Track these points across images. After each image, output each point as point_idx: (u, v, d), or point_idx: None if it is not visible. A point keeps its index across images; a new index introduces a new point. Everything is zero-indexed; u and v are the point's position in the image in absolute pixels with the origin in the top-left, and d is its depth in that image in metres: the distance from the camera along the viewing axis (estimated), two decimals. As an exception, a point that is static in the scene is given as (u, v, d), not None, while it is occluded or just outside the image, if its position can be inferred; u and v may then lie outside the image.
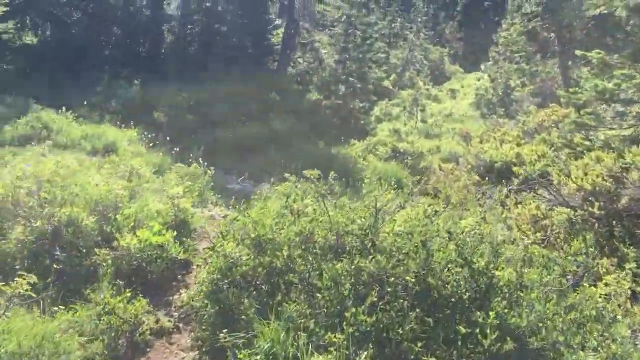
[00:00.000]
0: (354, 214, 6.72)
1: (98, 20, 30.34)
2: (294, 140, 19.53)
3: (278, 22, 37.54)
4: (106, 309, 5.66)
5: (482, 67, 35.95)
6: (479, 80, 36.80)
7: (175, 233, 7.22)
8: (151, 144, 15.99)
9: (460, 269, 5.77)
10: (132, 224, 7.26)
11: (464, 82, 41.13)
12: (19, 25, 29.19)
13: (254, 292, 5.99)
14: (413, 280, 5.60)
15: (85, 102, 21.42)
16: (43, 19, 30.04)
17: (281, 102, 23.96)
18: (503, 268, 5.89)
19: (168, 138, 18.40)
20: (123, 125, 18.90)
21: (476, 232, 6.37)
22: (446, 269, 5.75)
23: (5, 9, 28.88)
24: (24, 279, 5.00)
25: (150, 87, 23.87)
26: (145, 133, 17.73)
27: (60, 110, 17.33)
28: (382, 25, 47.27)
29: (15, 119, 15.58)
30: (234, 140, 19.07)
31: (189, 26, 31.27)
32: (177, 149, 16.22)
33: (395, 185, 8.28)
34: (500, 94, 27.27)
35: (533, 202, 10.22)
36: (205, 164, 12.03)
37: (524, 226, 9.80)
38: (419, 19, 51.49)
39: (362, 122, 23.57)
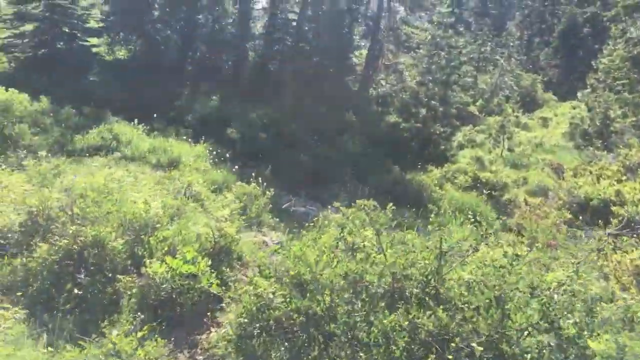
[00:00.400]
0: (416, 255, 5.63)
1: (185, 37, 30.90)
2: (368, 164, 18.53)
3: (362, 43, 36.93)
4: (115, 350, 4.86)
5: (579, 95, 33.48)
6: (574, 109, 34.28)
7: (211, 262, 6.38)
8: (218, 161, 15.53)
9: (544, 336, 4.56)
10: (166, 248, 6.51)
11: (558, 110, 38.51)
12: (111, 40, 30.29)
13: (287, 343, 5.02)
14: (482, 346, 4.45)
15: (162, 116, 21.60)
16: (135, 35, 30.97)
17: (358, 123, 23.08)
18: (599, 335, 4.61)
19: (237, 155, 18.03)
20: (194, 141, 18.69)
21: (567, 289, 5.08)
22: (525, 335, 4.57)
23: (101, 24, 30.21)
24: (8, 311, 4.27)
25: (228, 104, 23.71)
26: (215, 149, 17.37)
27: (133, 123, 17.34)
28: (471, 49, 45.52)
29: (88, 130, 15.62)
30: (305, 160, 18.34)
31: (276, 46, 31.24)
32: (244, 167, 15.72)
33: (473, 219, 7.17)
34: (598, 124, 25.00)
35: (636, 249, 8.72)
36: (265, 184, 11.28)
37: (624, 278, 8.32)
38: (512, 44, 49.26)
39: (442, 147, 22.20)
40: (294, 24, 31.85)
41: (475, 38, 50.90)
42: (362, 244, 6.14)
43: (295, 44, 30.83)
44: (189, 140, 19.38)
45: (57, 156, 13.46)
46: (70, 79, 22.88)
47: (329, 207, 16.04)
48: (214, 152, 17.54)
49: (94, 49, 27.87)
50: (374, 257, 5.86)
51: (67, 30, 23.74)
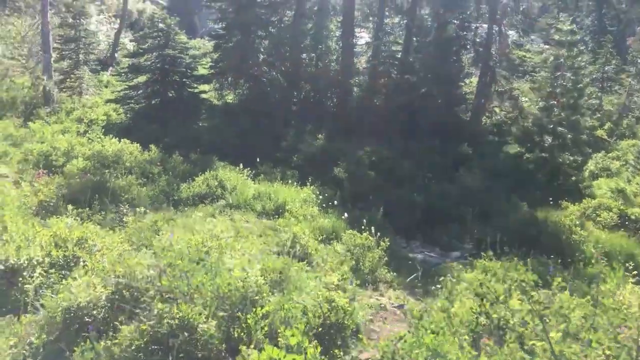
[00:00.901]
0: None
1: (290, 77, 30.86)
2: (490, 201, 16.69)
3: (472, 70, 35.03)
4: None
5: None
6: None
7: (320, 343, 5.16)
8: (325, 205, 14.52)
9: None
10: (266, 328, 5.41)
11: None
12: (220, 85, 30.91)
13: None
14: None
15: (268, 157, 21.17)
16: (242, 79, 31.43)
17: (474, 156, 21.26)
18: None
19: (345, 197, 17.00)
20: (300, 183, 17.95)
21: None
22: None
23: (211, 71, 31.00)
24: None
25: (334, 142, 22.91)
26: (322, 192, 16.45)
27: (239, 167, 16.88)
28: (594, 69, 41.88)
29: (194, 177, 15.28)
30: (418, 199, 16.88)
31: (381, 80, 30.29)
32: (353, 210, 14.61)
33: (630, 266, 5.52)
34: None
35: None
36: (378, 233, 10.01)
37: None
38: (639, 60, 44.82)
39: (573, 179, 19.76)
40: (399, 55, 30.83)
41: (595, 57, 47.03)
42: (511, 321, 4.71)
43: (401, 76, 29.73)
44: (295, 182, 18.69)
45: (162, 206, 13.13)
46: (181, 126, 23.23)
47: (451, 253, 14.47)
48: (321, 195, 16.63)
49: (203, 95, 28.46)
50: (533, 344, 4.40)
51: (177, 79, 24.26)
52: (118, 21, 45.96)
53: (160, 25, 24.07)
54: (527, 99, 34.34)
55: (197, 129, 23.62)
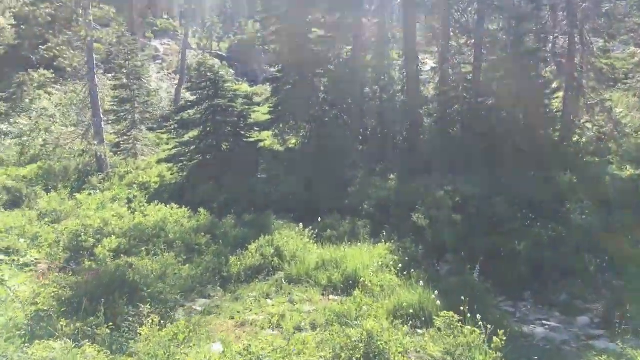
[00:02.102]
0: None
1: (353, 114, 28.52)
2: (612, 243, 13.26)
3: (554, 85, 31.35)
4: None
5: None
6: None
7: None
8: (406, 266, 11.72)
9: None
10: None
11: None
12: (280, 131, 29.02)
13: None
14: None
15: (334, 207, 18.70)
16: (303, 120, 29.43)
17: (577, 184, 17.75)
18: None
19: (429, 250, 14.18)
20: (372, 236, 15.32)
21: None
22: None
23: (269, 117, 29.22)
24: None
25: (407, 183, 20.08)
26: (400, 248, 13.70)
27: (299, 227, 14.45)
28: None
29: (247, 245, 12.91)
30: (521, 247, 13.68)
31: (453, 106, 27.31)
32: (442, 272, 11.78)
33: None
34: None
35: None
36: (476, 315, 7.11)
37: None
38: None
39: None
40: (470, 77, 27.79)
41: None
42: None
43: (475, 101, 26.62)
44: (367, 236, 16.01)
45: (207, 288, 10.78)
46: (238, 180, 21.17)
47: (575, 318, 11.18)
48: (400, 251, 13.85)
49: (263, 143, 26.50)
50: None
51: (230, 129, 22.37)
52: (178, 77, 45.85)
53: (209, 74, 22.40)
54: (621, 109, 30.32)
55: (255, 181, 21.47)
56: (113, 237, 12.24)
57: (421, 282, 10.07)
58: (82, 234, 12.64)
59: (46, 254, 12.03)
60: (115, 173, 24.19)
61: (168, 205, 16.38)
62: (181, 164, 22.45)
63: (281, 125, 29.48)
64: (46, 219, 16.91)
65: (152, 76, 41.97)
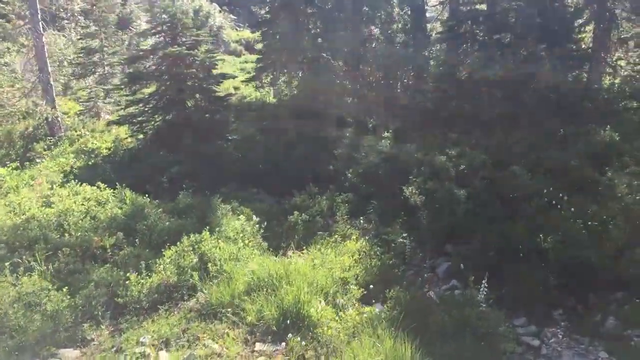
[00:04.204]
0: None
1: (351, 58, 24.40)
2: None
3: (582, 17, 26.70)
4: None
5: None
6: None
7: None
8: (382, 290, 8.21)
9: None
10: None
11: None
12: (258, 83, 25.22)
13: None
14: None
15: (317, 178, 15.26)
16: (292, 70, 25.55)
17: (619, 142, 13.79)
18: None
19: (424, 245, 10.71)
20: (352, 220, 11.91)
21: None
22: None
23: (257, 65, 25.37)
24: None
25: (404, 144, 16.31)
26: (381, 242, 10.21)
27: (251, 216, 10.89)
28: None
29: (168, 246, 9.36)
30: (547, 245, 9.92)
31: (462, 45, 23.03)
32: (441, 276, 8.41)
33: None
34: None
35: None
36: None
37: None
38: None
39: None
40: (484, 10, 23.34)
41: None
42: None
43: (490, 38, 22.31)
44: (345, 217, 12.48)
45: (85, 326, 7.37)
46: (203, 144, 17.56)
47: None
48: (381, 249, 10.33)
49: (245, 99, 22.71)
50: None
51: (190, 84, 18.55)
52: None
53: (164, 16, 18.41)
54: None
55: (222, 146, 17.84)
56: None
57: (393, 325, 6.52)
58: None
59: None
60: (67, 137, 20.72)
61: (97, 184, 12.88)
62: (138, 126, 18.82)
63: (268, 76, 25.71)
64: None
65: (142, 26, 37.82)
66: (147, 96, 18.84)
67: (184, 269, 8.56)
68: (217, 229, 10.28)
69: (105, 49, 26.75)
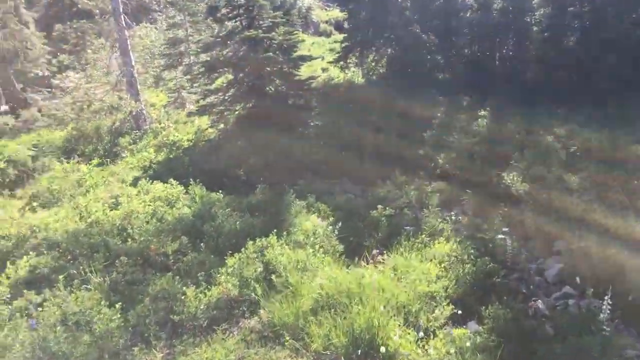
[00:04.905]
0: None
1: (442, 33, 22.48)
2: None
3: None
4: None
5: None
6: None
7: None
8: (483, 305, 6.80)
9: None
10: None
11: None
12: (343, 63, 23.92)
13: None
14: None
15: (403, 164, 13.91)
16: (379, 47, 24.11)
17: None
18: None
19: (529, 244, 9.07)
20: (445, 212, 10.48)
21: None
22: None
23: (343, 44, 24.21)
24: None
25: (502, 122, 14.43)
26: (476, 243, 8.73)
27: (323, 215, 9.75)
28: None
29: (244, 248, 8.44)
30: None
31: (572, 8, 20.37)
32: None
33: None
34: None
35: None
36: None
37: None
38: None
39: None
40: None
41: None
42: None
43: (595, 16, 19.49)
44: (436, 210, 11.06)
45: (135, 350, 6.56)
46: (283, 134, 16.64)
47: None
48: (487, 253, 8.84)
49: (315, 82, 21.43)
50: None
51: (269, 69, 17.61)
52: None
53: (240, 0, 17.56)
54: None
55: (302, 134, 16.80)
56: (32, 254, 8.36)
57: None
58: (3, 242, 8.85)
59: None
60: (152, 130, 20.62)
61: (169, 181, 12.28)
62: (218, 116, 18.21)
63: (354, 56, 24.45)
64: (35, 203, 13.62)
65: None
66: (225, 84, 18.18)
67: (246, 280, 7.56)
68: (288, 229, 9.24)
69: (190, 38, 26.51)
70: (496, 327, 6.49)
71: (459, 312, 6.81)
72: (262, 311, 7.14)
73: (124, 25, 21.44)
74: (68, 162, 17.02)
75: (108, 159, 17.85)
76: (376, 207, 11.09)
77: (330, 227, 9.42)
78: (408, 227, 11.02)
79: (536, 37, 20.15)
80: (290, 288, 7.18)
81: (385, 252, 9.58)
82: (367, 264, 8.30)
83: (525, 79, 16.86)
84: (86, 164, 16.55)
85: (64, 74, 26.97)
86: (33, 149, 18.43)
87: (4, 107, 27.56)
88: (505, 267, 8.95)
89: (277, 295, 7.12)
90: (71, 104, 21.85)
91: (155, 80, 30.94)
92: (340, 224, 9.63)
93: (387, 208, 11.05)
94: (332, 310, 6.53)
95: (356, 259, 8.27)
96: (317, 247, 8.21)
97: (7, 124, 24.96)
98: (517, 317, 6.79)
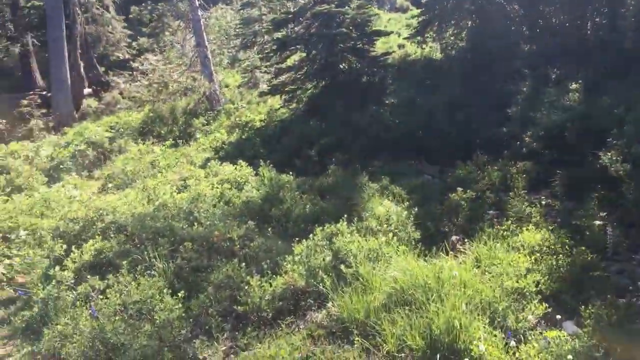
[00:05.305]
0: None
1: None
2: None
3: None
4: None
5: None
6: None
7: None
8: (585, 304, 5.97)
9: None
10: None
11: None
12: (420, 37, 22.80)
13: None
14: None
15: (486, 143, 12.99)
16: (457, 17, 22.78)
17: None
18: None
19: (632, 233, 8.08)
20: (532, 195, 9.55)
21: None
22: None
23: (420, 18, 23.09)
24: None
25: (597, 97, 13.10)
26: (574, 229, 7.80)
27: (396, 198, 9.06)
28: None
29: (312, 234, 7.94)
30: None
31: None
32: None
33: None
34: None
35: None
36: None
37: None
38: None
39: None
40: None
41: None
42: None
43: None
44: (522, 192, 10.13)
45: (196, 343, 6.21)
46: (356, 110, 16.00)
47: None
48: (584, 241, 7.90)
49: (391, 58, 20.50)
50: None
51: (341, 46, 16.95)
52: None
53: (311, -26, 16.95)
54: None
55: (376, 112, 16.06)
56: (98, 238, 8.21)
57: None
58: (68, 228, 8.77)
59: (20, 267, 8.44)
60: (225, 111, 20.56)
61: (239, 162, 11.98)
62: (290, 95, 17.81)
63: (432, 31, 23.22)
64: (110, 185, 13.79)
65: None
66: (297, 62, 17.71)
67: (314, 270, 7.03)
68: (360, 214, 8.64)
69: (264, 17, 26.22)
70: (597, 329, 5.62)
71: (552, 308, 5.98)
72: (330, 304, 6.60)
73: (197, 5, 21.38)
74: (143, 144, 17.19)
75: (182, 140, 17.90)
76: (455, 190, 10.25)
77: (405, 212, 8.68)
78: (491, 212, 10.20)
79: (632, 1, 18.21)
80: (361, 280, 6.58)
81: (465, 239, 8.81)
82: (447, 254, 7.55)
83: (622, 48, 15.24)
84: (160, 146, 16.64)
85: (142, 57, 27.46)
86: (111, 130, 18.77)
87: (88, 90, 28.49)
88: (606, 259, 7.95)
89: (346, 288, 6.54)
90: (148, 86, 22.13)
91: (231, 61, 31.05)
92: (416, 208, 8.90)
93: (468, 191, 10.20)
94: (407, 307, 5.87)
95: (434, 248, 7.52)
96: (390, 234, 7.53)
97: (90, 106, 25.77)
98: (622, 319, 5.88)
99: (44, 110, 25.07)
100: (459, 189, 10.23)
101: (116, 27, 31.47)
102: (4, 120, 23.55)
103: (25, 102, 24.70)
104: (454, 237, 9.28)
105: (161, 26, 34.84)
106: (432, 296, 5.84)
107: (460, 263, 6.88)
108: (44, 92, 27.77)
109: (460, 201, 9.88)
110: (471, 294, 5.88)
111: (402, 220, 8.35)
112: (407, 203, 9.48)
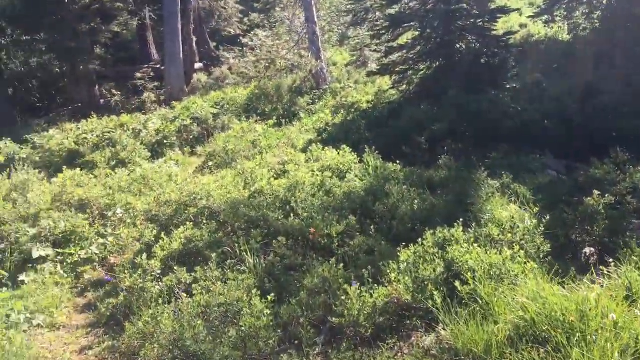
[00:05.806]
0: None
1: None
2: None
3: None
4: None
5: None
6: None
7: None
8: None
9: None
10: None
11: None
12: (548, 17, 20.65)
13: None
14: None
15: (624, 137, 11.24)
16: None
17: None
18: None
19: None
20: None
21: None
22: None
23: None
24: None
25: None
26: None
27: (519, 199, 7.79)
28: None
29: (422, 237, 6.95)
30: None
31: None
32: None
33: None
34: None
35: None
36: None
37: None
38: None
39: None
40: None
41: None
42: None
43: None
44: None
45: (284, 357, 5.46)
46: (475, 96, 14.55)
47: None
48: None
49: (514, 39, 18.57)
50: None
51: (460, 23, 15.47)
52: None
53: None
54: None
55: (496, 98, 14.51)
56: (189, 225, 7.69)
57: None
58: (150, 218, 8.36)
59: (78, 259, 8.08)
60: (331, 90, 19.79)
61: (342, 148, 11.14)
62: (400, 76, 16.64)
63: (561, 9, 20.93)
64: (211, 163, 13.49)
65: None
66: (411, 41, 16.45)
67: (423, 282, 6.03)
68: (477, 218, 7.47)
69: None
70: None
71: None
72: (440, 328, 5.58)
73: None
74: (247, 121, 16.82)
75: (285, 120, 17.36)
76: (590, 192, 8.72)
77: (534, 220, 7.35)
78: (635, 222, 8.61)
79: None
80: (480, 302, 5.49)
81: (604, 254, 7.38)
82: (582, 271, 6.23)
83: None
84: (263, 124, 16.17)
85: (253, 33, 27.29)
86: (216, 107, 18.62)
87: (199, 65, 28.88)
88: None
89: (460, 309, 5.48)
90: (255, 62, 21.83)
91: (340, 39, 30.21)
92: (547, 215, 7.55)
93: (607, 195, 8.64)
94: (540, 346, 4.73)
95: (569, 266, 6.22)
96: (517, 247, 6.32)
97: (200, 81, 26.01)
98: None
99: (156, 83, 25.63)
100: (596, 191, 8.70)
101: (229, 2, 31.63)
102: (119, 92, 24.30)
103: (139, 74, 25.36)
104: (587, 250, 7.89)
105: (273, 1, 34.59)
106: (573, 336, 4.65)
107: (607, 289, 5.54)
108: (158, 65, 28.46)
109: (598, 206, 8.37)
110: (625, 337, 4.62)
111: (528, 229, 7.07)
112: (533, 206, 8.12)
